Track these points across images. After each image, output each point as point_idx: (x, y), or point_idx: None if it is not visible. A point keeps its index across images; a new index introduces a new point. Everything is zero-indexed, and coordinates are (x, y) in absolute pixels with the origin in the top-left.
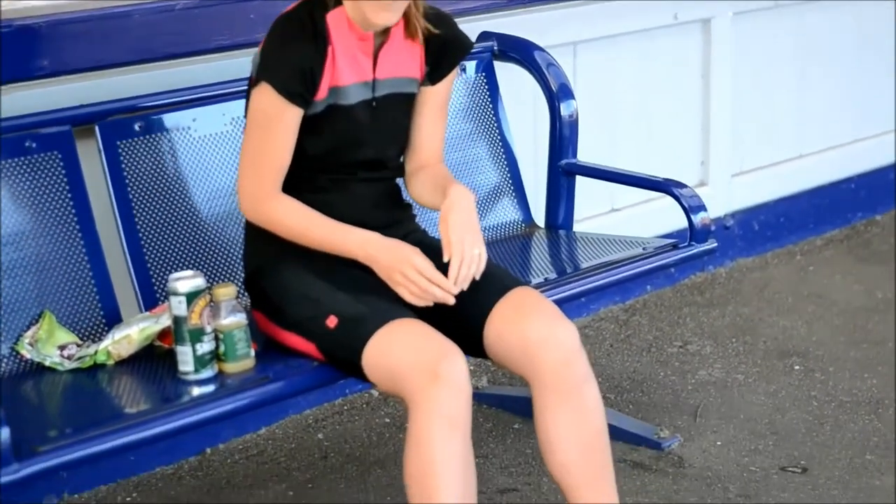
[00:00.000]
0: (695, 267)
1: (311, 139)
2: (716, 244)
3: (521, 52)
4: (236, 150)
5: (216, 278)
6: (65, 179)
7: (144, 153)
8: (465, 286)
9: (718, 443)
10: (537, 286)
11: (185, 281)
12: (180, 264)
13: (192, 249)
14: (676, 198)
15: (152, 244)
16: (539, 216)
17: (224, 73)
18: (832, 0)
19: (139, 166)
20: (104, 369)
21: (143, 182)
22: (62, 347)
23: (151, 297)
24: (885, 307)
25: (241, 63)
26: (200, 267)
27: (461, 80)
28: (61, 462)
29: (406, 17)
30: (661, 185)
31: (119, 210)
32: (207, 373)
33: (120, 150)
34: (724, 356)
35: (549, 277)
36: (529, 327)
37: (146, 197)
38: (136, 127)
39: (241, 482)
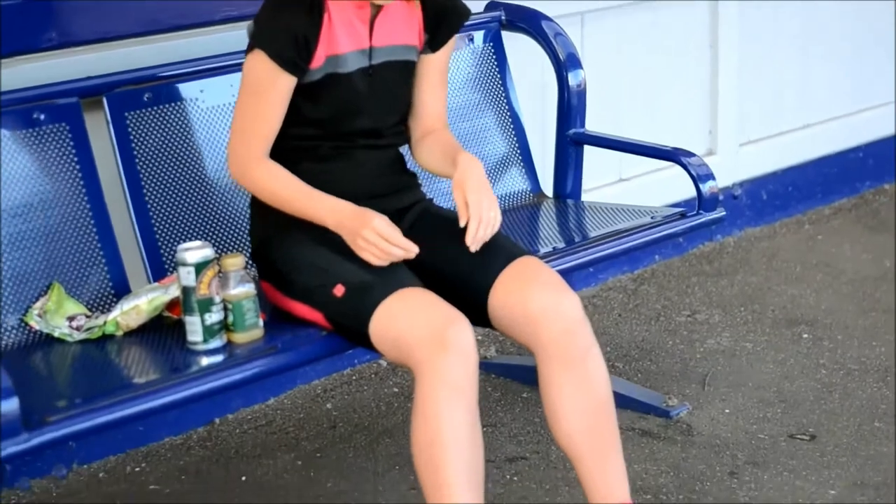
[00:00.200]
0: (703, 236)
1: (310, 107)
2: (724, 213)
3: (528, 21)
4: None
5: (224, 248)
6: (73, 151)
7: (152, 124)
8: (478, 248)
9: (727, 411)
10: (545, 255)
11: (194, 251)
12: (189, 234)
13: (200, 219)
14: (684, 166)
15: (160, 215)
16: (547, 186)
17: (232, 44)
18: None
19: (147, 137)
20: (113, 340)
21: (151, 153)
22: (71, 318)
23: (160, 267)
24: (893, 276)
25: None
26: (209, 237)
27: (469, 51)
28: (70, 432)
29: None
30: (669, 154)
31: (127, 181)
32: (216, 343)
33: (128, 122)
34: (733, 325)
35: (557, 247)
36: (532, 298)
37: (154, 168)
38: (144, 98)
39: (249, 452)
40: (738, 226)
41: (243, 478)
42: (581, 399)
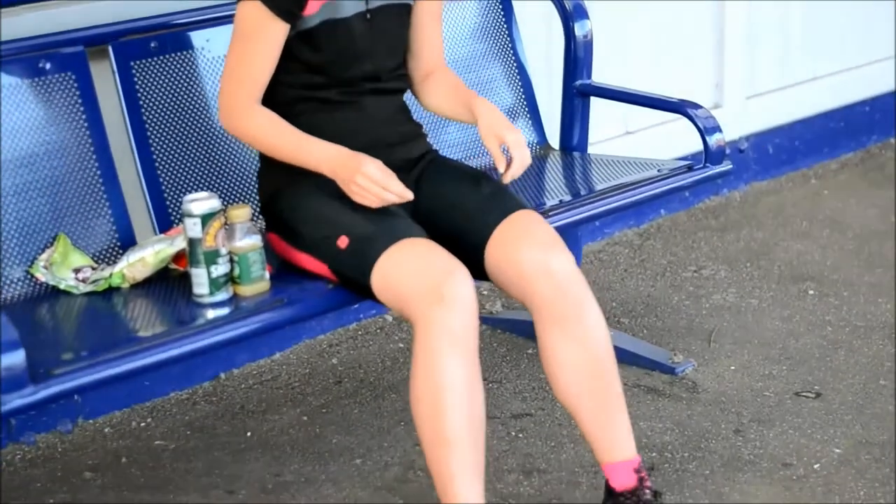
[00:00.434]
0: (709, 191)
1: (309, 54)
2: (731, 166)
3: None
4: None
5: (231, 200)
6: (79, 100)
7: (158, 74)
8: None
9: (732, 368)
10: (552, 208)
11: (200, 202)
12: (195, 186)
13: (206, 170)
14: (691, 118)
15: (166, 165)
16: (553, 138)
17: None
18: None
19: (153, 87)
20: (119, 292)
21: (156, 103)
22: (77, 270)
23: (166, 219)
24: None
25: None
26: (215, 188)
27: (475, 1)
28: (77, 385)
29: None
30: (676, 106)
31: (133, 131)
32: (222, 295)
33: (133, 71)
34: (738, 281)
35: (563, 199)
36: (522, 257)
37: (160, 118)
38: (150, 47)
39: (255, 407)
40: (744, 180)
41: (249, 433)
42: (578, 356)
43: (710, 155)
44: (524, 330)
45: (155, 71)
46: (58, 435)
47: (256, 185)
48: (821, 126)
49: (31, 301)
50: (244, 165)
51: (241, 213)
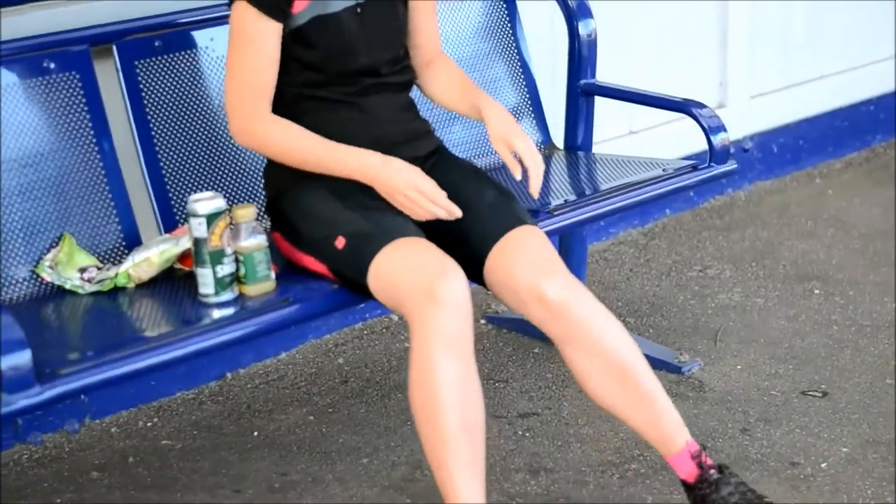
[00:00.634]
0: (714, 190)
1: (304, 52)
2: (735, 165)
3: None
4: None
5: (236, 199)
6: (83, 100)
7: (162, 73)
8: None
9: (738, 367)
10: (556, 208)
11: (205, 202)
12: (200, 185)
13: (211, 170)
14: (696, 118)
15: (171, 165)
16: (558, 137)
17: None
18: None
19: (157, 86)
20: (124, 292)
21: (161, 102)
22: (82, 270)
23: (171, 218)
24: None
25: None
26: (220, 188)
27: (479, 1)
28: (83, 385)
29: None
30: (680, 106)
31: (137, 130)
32: (228, 295)
33: (138, 70)
34: (744, 280)
35: (568, 199)
36: (517, 281)
37: (164, 117)
38: (155, 46)
39: (261, 407)
40: (748, 179)
41: (255, 433)
42: (599, 367)
43: (715, 154)
44: (530, 329)
45: (159, 70)
46: (64, 435)
47: (262, 184)
48: (825, 125)
49: (36, 301)
50: (249, 165)
51: (247, 213)
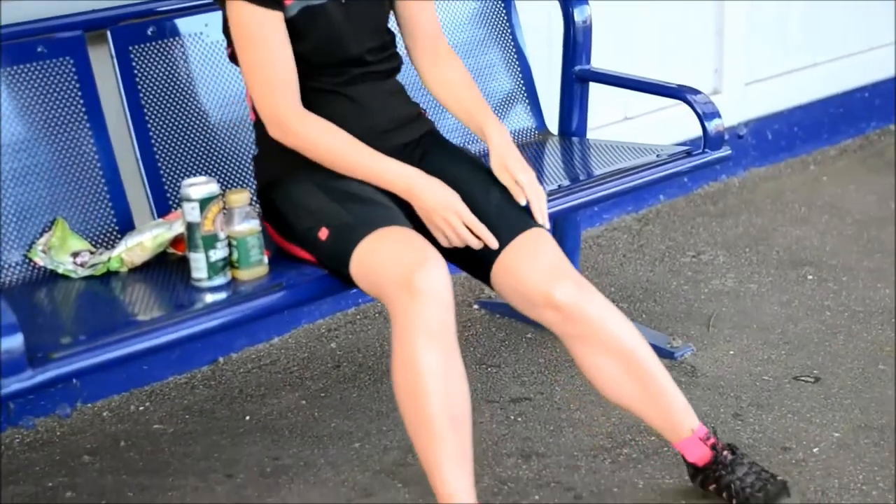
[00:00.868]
0: (708, 176)
1: (295, 44)
2: (730, 151)
3: None
4: None
5: (229, 184)
6: (77, 85)
7: (156, 58)
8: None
9: (731, 352)
10: (551, 193)
11: (199, 187)
12: (193, 170)
13: (204, 155)
14: (690, 104)
15: (165, 150)
16: (552, 123)
17: None
18: None
19: (151, 72)
20: (117, 276)
21: (155, 88)
22: (75, 255)
23: (164, 203)
24: None
25: None
26: (213, 173)
27: None
28: (75, 369)
29: None
30: (675, 92)
31: (131, 116)
32: (220, 280)
33: (132, 56)
34: (737, 266)
35: (562, 185)
36: (528, 286)
37: (158, 102)
38: (149, 32)
39: (253, 391)
40: (742, 166)
41: (247, 417)
42: (609, 362)
43: (709, 140)
44: (523, 315)
45: (154, 55)
46: (56, 419)
47: (253, 173)
48: (820, 112)
49: (29, 285)
50: (242, 150)
51: (240, 198)
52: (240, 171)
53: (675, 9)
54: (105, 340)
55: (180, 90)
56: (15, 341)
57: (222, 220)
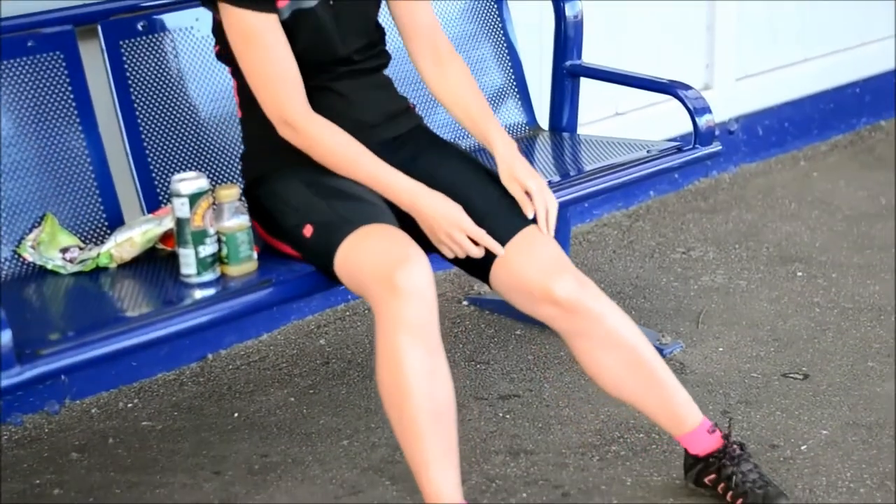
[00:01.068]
0: (698, 172)
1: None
2: (720, 147)
3: None
4: None
5: (219, 179)
6: (67, 80)
7: (147, 53)
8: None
9: (720, 349)
10: None
11: (188, 182)
12: (183, 165)
13: (194, 150)
14: (681, 99)
15: (155, 145)
16: (543, 119)
17: None
18: None
19: (142, 66)
20: (106, 272)
21: (145, 82)
22: (64, 250)
23: (154, 199)
24: (889, 213)
25: None
26: (203, 168)
27: None
28: (63, 365)
29: None
30: (666, 87)
31: (121, 111)
32: (210, 275)
33: (122, 50)
34: (727, 262)
35: (552, 180)
36: (528, 283)
37: (148, 98)
38: (139, 27)
39: (242, 388)
40: (733, 162)
41: (236, 414)
42: (610, 358)
43: (700, 136)
44: (512, 311)
45: (144, 50)
46: (45, 415)
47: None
48: (811, 108)
49: (18, 281)
50: (232, 146)
51: (230, 193)
52: (230, 166)
53: (666, 4)
54: (94, 337)
55: (171, 85)
56: (3, 337)
57: (212, 215)
